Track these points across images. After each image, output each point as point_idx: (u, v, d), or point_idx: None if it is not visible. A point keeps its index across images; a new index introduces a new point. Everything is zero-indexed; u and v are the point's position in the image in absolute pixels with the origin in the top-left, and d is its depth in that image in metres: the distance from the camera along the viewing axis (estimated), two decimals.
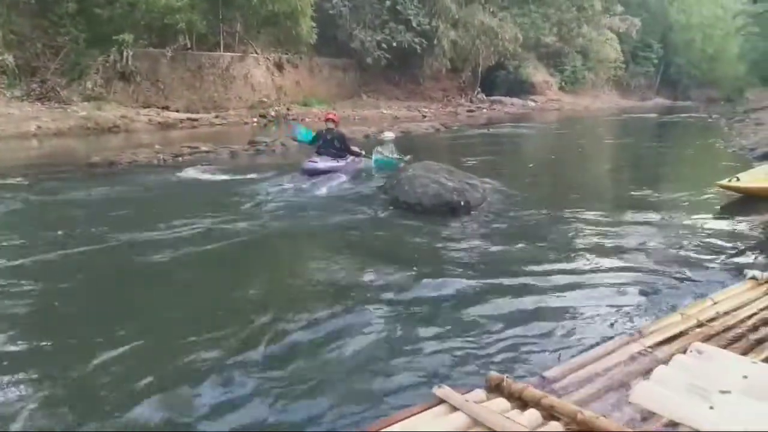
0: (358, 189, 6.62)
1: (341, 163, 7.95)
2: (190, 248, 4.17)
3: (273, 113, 21.12)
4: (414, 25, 26.71)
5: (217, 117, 19.22)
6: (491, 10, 31.21)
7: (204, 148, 10.69)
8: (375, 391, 2.19)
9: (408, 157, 8.58)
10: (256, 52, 23.07)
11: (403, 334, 2.69)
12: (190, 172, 7.94)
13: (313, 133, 8.59)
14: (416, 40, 26.79)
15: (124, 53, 17.54)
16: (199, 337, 2.70)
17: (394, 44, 26.31)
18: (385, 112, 25.79)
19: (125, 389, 2.26)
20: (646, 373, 1.64)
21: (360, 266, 3.76)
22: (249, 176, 7.72)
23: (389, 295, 3.21)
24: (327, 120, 8.63)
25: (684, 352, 1.69)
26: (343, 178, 7.41)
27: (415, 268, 3.66)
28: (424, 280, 3.42)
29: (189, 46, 20.24)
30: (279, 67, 24.01)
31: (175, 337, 2.78)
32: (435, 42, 27.73)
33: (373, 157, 8.41)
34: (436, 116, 25.77)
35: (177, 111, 18.94)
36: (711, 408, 1.18)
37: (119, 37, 16.97)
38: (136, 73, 18.21)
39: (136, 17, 17.76)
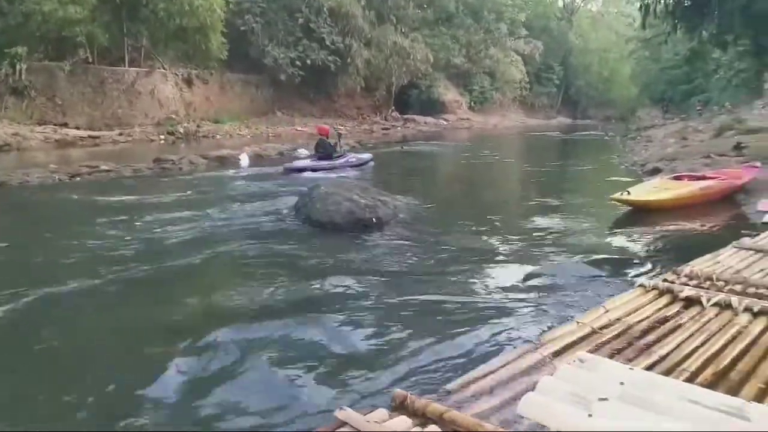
0: (271, 209, 6.48)
1: (327, 162, 10.36)
2: (83, 279, 3.89)
3: (182, 130, 20.43)
4: (327, 43, 26.85)
5: (121, 134, 18.33)
6: (403, 30, 31.98)
7: (105, 167, 10.07)
8: (276, 415, 2.13)
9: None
10: (164, 67, 22.31)
11: (309, 354, 2.63)
12: (87, 193, 7.47)
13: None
14: (330, 58, 26.92)
15: (17, 67, 16.38)
16: (99, 365, 2.53)
17: (308, 62, 26.31)
18: (300, 129, 25.64)
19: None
20: None
21: (269, 288, 3.66)
22: (151, 197, 7.37)
23: (296, 317, 3.14)
24: (320, 133, 11.69)
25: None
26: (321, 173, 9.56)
27: (324, 287, 3.62)
28: (334, 299, 3.39)
29: (90, 59, 19.23)
30: (188, 82, 23.33)
31: (71, 370, 2.59)
32: (349, 60, 28.00)
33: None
34: (352, 134, 25.92)
35: (77, 128, 17.88)
36: (590, 416, 1.22)
37: (11, 50, 15.84)
38: (30, 88, 17.05)
39: (30, 29, 16.64)
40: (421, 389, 2.13)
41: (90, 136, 17.24)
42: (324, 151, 10.77)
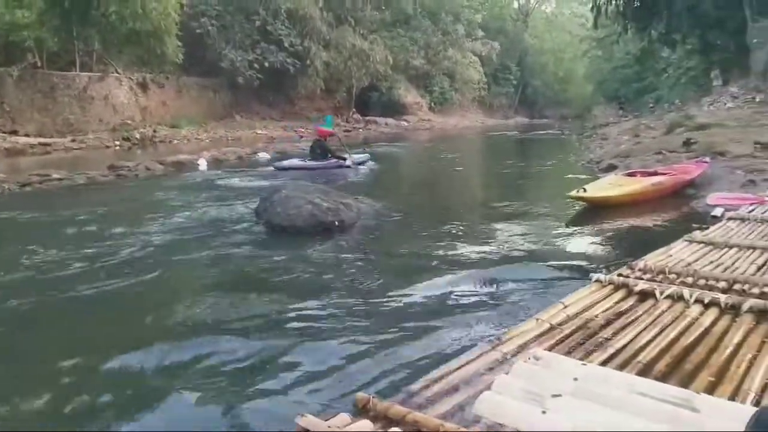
0: (230, 214, 6.38)
1: (317, 162, 10.42)
2: (25, 297, 3.73)
3: (138, 135, 19.96)
4: (286, 45, 26.67)
5: (73, 141, 17.78)
6: (362, 32, 32.01)
7: (57, 176, 9.70)
8: (236, 425, 2.09)
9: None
10: (118, 72, 21.77)
11: (268, 362, 2.60)
12: (37, 203, 7.21)
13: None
14: (289, 60, 26.73)
15: None
16: (39, 389, 2.44)
17: (266, 64, 26.06)
18: (259, 132, 25.38)
19: None
20: None
21: (226, 296, 3.59)
22: (105, 205, 7.16)
23: (254, 324, 3.10)
24: (320, 134, 11.40)
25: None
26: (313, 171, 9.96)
27: (284, 293, 3.58)
28: (294, 305, 3.35)
29: (39, 64, 18.61)
30: (143, 87, 22.81)
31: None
32: (308, 63, 27.85)
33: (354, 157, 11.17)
34: (313, 136, 25.76)
35: (27, 135, 17.27)
36: (543, 412, 1.24)
37: None
38: None
39: None
40: (384, 392, 2.13)
41: (41, 144, 16.67)
42: (320, 152, 10.70)
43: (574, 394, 1.31)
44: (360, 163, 11.21)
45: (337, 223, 5.36)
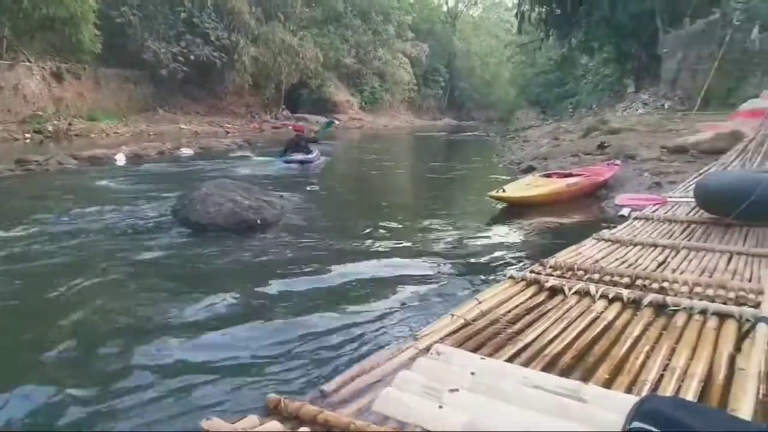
0: (146, 212, 6.11)
1: (310, 156, 11.83)
2: None
3: (51, 128, 18.81)
4: (213, 38, 25.95)
5: None
6: (292, 29, 31.64)
7: None
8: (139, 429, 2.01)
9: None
10: (29, 60, 20.41)
11: (176, 366, 2.50)
12: None
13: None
14: (215, 54, 26.04)
15: None
16: None
17: (192, 57, 25.25)
18: (183, 127, 24.54)
19: None
20: None
21: (135, 298, 3.43)
22: (8, 202, 6.70)
23: (163, 326, 2.97)
24: (296, 131, 13.59)
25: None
26: (317, 161, 11.91)
27: (200, 292, 3.46)
28: (207, 305, 3.23)
29: None
30: (57, 77, 21.52)
31: None
32: (235, 57, 27.23)
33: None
34: (241, 132, 25.24)
35: None
36: (440, 407, 1.26)
37: None
38: None
39: None
40: (298, 392, 2.10)
41: None
42: (298, 149, 11.98)
43: (470, 389, 1.33)
44: (308, 162, 12.07)
45: (259, 221, 5.25)
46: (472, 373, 1.41)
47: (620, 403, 1.20)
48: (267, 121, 30.58)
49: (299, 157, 11.68)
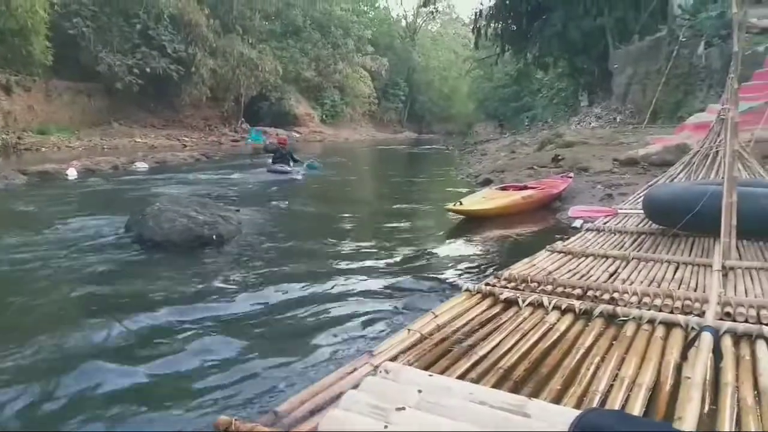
0: (98, 229, 5.92)
1: (293, 167, 12.48)
2: None
3: None
4: (169, 51, 25.51)
5: None
6: (250, 41, 31.43)
7: None
8: None
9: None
10: None
11: (129, 386, 2.40)
12: None
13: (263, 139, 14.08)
14: (172, 66, 25.59)
15: None
16: None
17: (148, 70, 24.76)
18: (139, 141, 24.03)
19: None
20: None
21: (84, 317, 3.31)
22: None
23: (118, 343, 2.88)
24: (280, 143, 14.08)
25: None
26: (299, 176, 12.19)
27: (152, 310, 3.35)
28: (161, 323, 3.14)
29: None
30: (6, 89, 20.80)
31: None
32: (193, 70, 26.84)
33: (306, 164, 13.45)
34: (198, 146, 24.88)
35: None
36: (386, 426, 1.25)
37: None
38: None
39: None
40: (249, 413, 2.05)
41: None
42: (282, 159, 12.58)
43: (417, 407, 1.32)
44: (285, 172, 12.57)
45: (215, 236, 5.15)
46: (419, 391, 1.40)
47: (562, 417, 1.21)
48: (225, 134, 30.21)
49: (283, 167, 12.27)
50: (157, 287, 3.92)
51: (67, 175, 11.55)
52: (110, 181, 11.07)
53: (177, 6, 25.76)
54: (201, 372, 2.61)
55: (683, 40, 16.26)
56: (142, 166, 14.15)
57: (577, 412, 1.20)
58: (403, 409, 1.28)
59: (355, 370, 2.01)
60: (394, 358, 2.08)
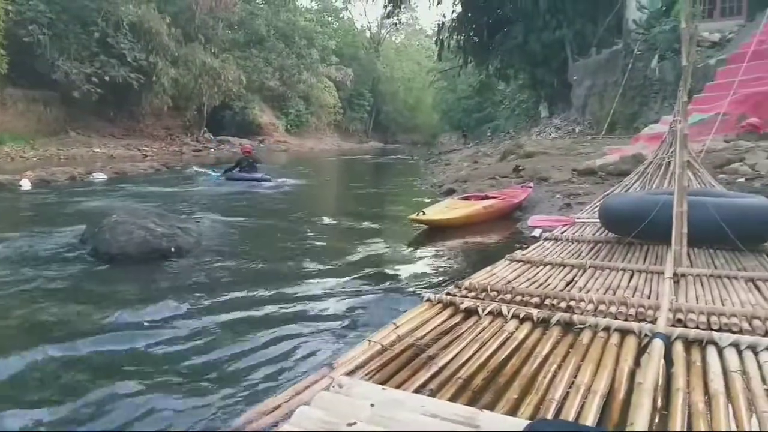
0: (53, 242, 5.73)
1: (257, 175, 12.48)
2: None
3: None
4: (129, 59, 25.03)
5: None
6: (213, 51, 31.13)
7: None
8: None
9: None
10: None
11: (86, 402, 2.32)
12: None
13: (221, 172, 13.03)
14: (132, 75, 25.11)
15: None
16: None
17: (107, 78, 24.22)
18: (98, 150, 23.46)
19: None
20: None
21: (36, 338, 3.18)
22: None
23: (71, 361, 2.78)
24: (244, 152, 13.83)
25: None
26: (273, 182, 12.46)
27: (108, 327, 3.25)
28: (117, 340, 3.04)
29: None
30: None
31: None
32: (154, 78, 26.38)
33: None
34: (159, 155, 24.43)
35: None
36: None
37: None
38: None
39: None
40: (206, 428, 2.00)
41: None
42: (248, 169, 12.75)
43: (369, 421, 1.31)
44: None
45: (173, 249, 5.04)
46: (372, 405, 1.39)
47: (512, 428, 1.22)
48: (187, 144, 29.74)
49: (253, 175, 12.51)
50: (108, 303, 3.79)
51: (20, 186, 11.18)
52: (66, 192, 10.75)
53: (137, 14, 25.34)
54: (148, 390, 2.50)
55: (638, 53, 16.78)
56: (100, 176, 13.80)
57: (527, 423, 1.21)
58: (355, 424, 1.27)
59: (314, 383, 1.98)
60: (354, 371, 2.06)
